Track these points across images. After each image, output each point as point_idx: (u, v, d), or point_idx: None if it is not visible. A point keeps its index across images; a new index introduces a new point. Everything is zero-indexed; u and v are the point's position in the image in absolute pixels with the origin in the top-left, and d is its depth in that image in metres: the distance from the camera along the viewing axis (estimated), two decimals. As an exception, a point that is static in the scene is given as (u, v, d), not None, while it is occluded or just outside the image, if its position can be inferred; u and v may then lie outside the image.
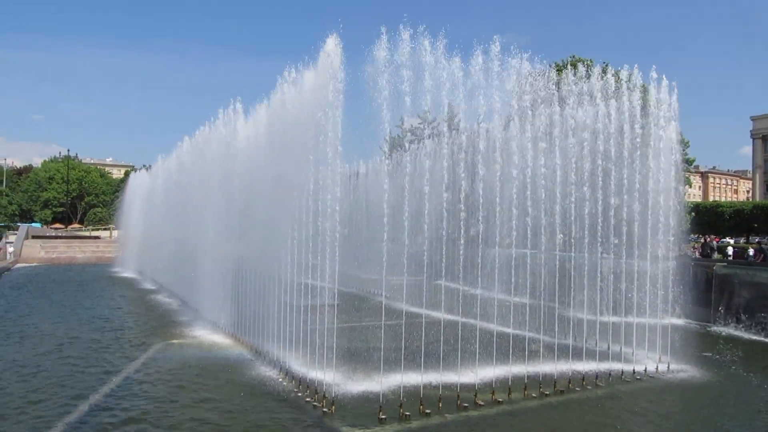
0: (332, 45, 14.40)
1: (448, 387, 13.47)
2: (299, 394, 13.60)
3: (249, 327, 18.66)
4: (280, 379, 14.89)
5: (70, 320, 23.68)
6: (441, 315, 15.14)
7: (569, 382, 15.09)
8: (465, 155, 20.10)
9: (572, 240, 17.59)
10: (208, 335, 20.88)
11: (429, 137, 19.04)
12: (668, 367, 17.25)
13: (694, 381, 16.59)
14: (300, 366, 14.83)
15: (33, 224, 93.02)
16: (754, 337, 23.25)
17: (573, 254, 17.94)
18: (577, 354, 16.85)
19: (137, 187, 52.96)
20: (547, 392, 14.41)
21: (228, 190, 22.30)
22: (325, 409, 12.40)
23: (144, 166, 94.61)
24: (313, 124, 14.86)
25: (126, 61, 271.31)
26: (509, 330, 16.66)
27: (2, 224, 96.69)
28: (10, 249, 50.47)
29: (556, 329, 18.31)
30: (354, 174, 37.10)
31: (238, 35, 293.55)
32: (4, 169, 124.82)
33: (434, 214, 15.24)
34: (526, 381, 14.40)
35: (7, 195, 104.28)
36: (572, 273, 18.07)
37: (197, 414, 12.34)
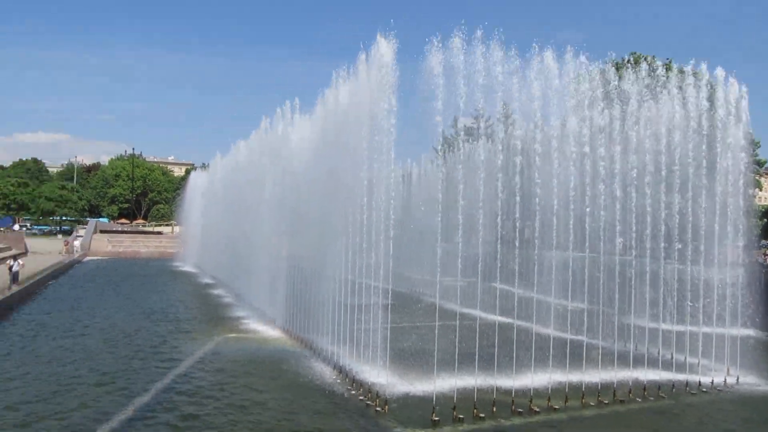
0: (384, 45, 14.42)
1: (502, 391, 13.24)
2: (353, 392, 13.68)
3: (303, 323, 18.92)
4: (334, 377, 15.02)
5: (134, 312, 24.70)
6: (496, 317, 14.87)
7: (629, 392, 14.55)
8: (521, 155, 19.70)
9: (633, 244, 16.95)
10: (264, 330, 21.35)
11: (483, 137, 18.79)
12: (737, 380, 16.39)
13: (764, 394, 15.68)
14: (353, 364, 14.92)
15: (100, 219, 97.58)
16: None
17: (634, 258, 17.28)
18: (638, 363, 16.18)
19: (197, 185, 54.78)
20: (606, 401, 13.95)
21: (282, 189, 22.72)
22: (378, 409, 12.42)
23: (203, 164, 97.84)
24: (367, 123, 14.93)
25: (188, 62, 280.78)
26: (566, 335, 16.24)
27: (73, 219, 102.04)
28: (77, 243, 53.09)
29: (616, 336, 17.75)
30: (407, 174, 37.08)
31: (297, 37, 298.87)
32: (75, 166, 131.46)
33: (489, 215, 15.04)
34: (583, 389, 13.98)
35: (77, 191, 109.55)
36: (633, 278, 17.42)
37: (252, 407, 12.60)
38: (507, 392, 13.23)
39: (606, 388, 14.41)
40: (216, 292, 33.04)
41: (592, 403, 13.75)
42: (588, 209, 16.30)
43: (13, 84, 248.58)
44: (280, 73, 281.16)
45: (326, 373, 15.38)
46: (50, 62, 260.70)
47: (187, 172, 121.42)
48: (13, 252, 48.55)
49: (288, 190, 21.91)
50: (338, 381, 14.66)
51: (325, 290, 17.12)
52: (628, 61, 48.97)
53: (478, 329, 13.82)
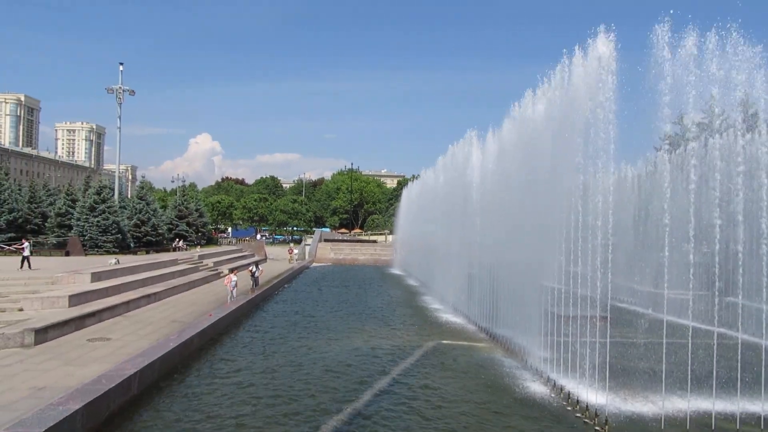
0: (603, 39, 13.73)
1: (747, 422, 11.58)
2: (568, 408, 13.14)
3: (518, 334, 18.67)
4: (548, 390, 14.58)
5: (351, 313, 26.92)
6: (738, 336, 13.06)
7: None
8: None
9: None
10: (474, 337, 21.60)
11: (718, 132, 16.76)
12: None
13: None
14: (569, 379, 14.33)
15: (323, 229, 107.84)
16: None
17: None
18: None
19: (407, 196, 57.72)
20: None
21: (487, 196, 22.81)
22: (597, 428, 11.74)
23: (413, 176, 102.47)
24: (584, 125, 14.33)
25: (393, 81, 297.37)
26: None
27: (302, 229, 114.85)
28: (296, 251, 59.51)
29: None
30: (627, 176, 34.47)
31: (502, 44, 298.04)
32: (304, 182, 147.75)
33: (726, 220, 13.34)
34: None
35: (305, 204, 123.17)
36: None
37: (463, 411, 12.80)
38: (753, 422, 11.51)
39: None
40: (428, 299, 34.38)
41: None
42: None
43: (255, 112, 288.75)
44: (485, 82, 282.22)
45: (540, 386, 14.98)
46: (280, 89, 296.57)
47: (399, 183, 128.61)
48: (256, 258, 56.30)
49: (496, 197, 21.94)
50: (552, 395, 14.19)
51: (536, 300, 16.77)
52: None
53: (715, 348, 12.30)
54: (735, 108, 15.76)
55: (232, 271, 28.54)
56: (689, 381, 11.78)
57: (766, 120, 16.97)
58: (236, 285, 27.75)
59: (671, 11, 12.83)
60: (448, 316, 27.16)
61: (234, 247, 66.48)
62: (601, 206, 13.93)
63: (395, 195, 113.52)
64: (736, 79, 13.25)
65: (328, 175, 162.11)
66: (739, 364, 12.23)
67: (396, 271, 55.90)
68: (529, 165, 18.60)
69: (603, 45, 13.70)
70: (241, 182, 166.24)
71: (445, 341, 20.93)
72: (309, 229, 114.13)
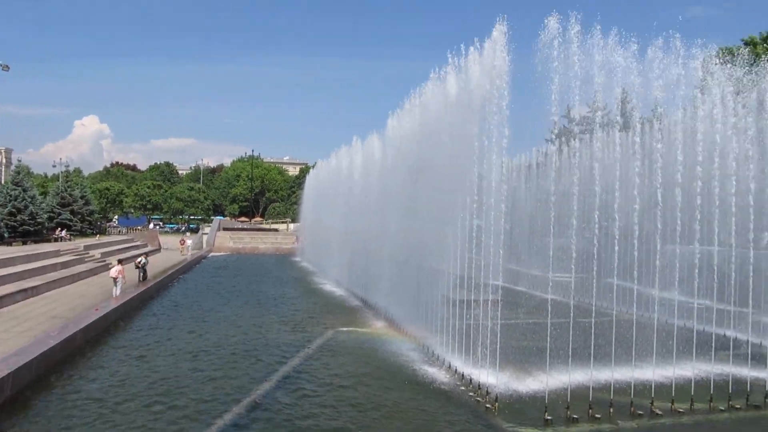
0: (498, 32, 14.25)
1: (619, 391, 12.66)
2: (462, 388, 13.72)
3: (413, 318, 19.19)
4: (444, 372, 15.13)
5: (253, 304, 26.39)
6: (613, 314, 14.23)
7: (765, 397, 13.33)
8: (642, 144, 18.67)
9: (756, 235, 15.47)
10: (373, 324, 21.94)
11: (600, 127, 18.01)
12: None
13: None
14: (463, 360, 14.96)
15: (218, 217, 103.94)
16: None
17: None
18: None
19: (311, 183, 57.29)
20: (738, 405, 12.89)
21: (389, 183, 23.17)
22: (488, 406, 12.36)
23: (316, 163, 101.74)
24: (478, 113, 14.86)
25: (300, 66, 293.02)
26: (692, 335, 15.17)
27: (199, 218, 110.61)
28: (189, 242, 57.21)
29: (749, 336, 16.41)
30: (518, 166, 36.30)
31: (408, 33, 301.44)
32: (201, 168, 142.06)
33: (605, 208, 14.42)
34: (712, 391, 13.02)
35: (203, 192, 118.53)
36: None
37: (361, 401, 12.99)
38: (625, 392, 12.62)
39: (738, 390, 13.28)
40: (328, 286, 34.42)
41: (721, 407, 12.77)
42: (717, 201, 15.12)
43: (146, 94, 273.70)
44: (391, 71, 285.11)
45: (436, 369, 15.51)
46: (176, 72, 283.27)
47: (302, 171, 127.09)
48: (149, 249, 53.59)
49: (397, 184, 22.30)
50: (448, 377, 14.75)
51: (434, 286, 17.29)
52: (767, 38, 44.34)
53: (593, 326, 13.33)
54: (615, 104, 16.98)
55: (120, 262, 26.87)
56: (570, 357, 12.67)
57: (642, 116, 18.50)
58: (124, 277, 26.19)
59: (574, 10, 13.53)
60: (348, 303, 27.39)
61: (124, 237, 62.84)
62: (494, 194, 14.58)
63: (298, 183, 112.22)
64: (617, 76, 14.26)
65: (227, 161, 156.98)
66: (613, 338, 13.32)
67: (298, 259, 55.43)
68: (425, 153, 19.05)
69: (497, 37, 14.23)
70: (133, 168, 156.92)
71: (343, 328, 21.08)
72: (207, 217, 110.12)
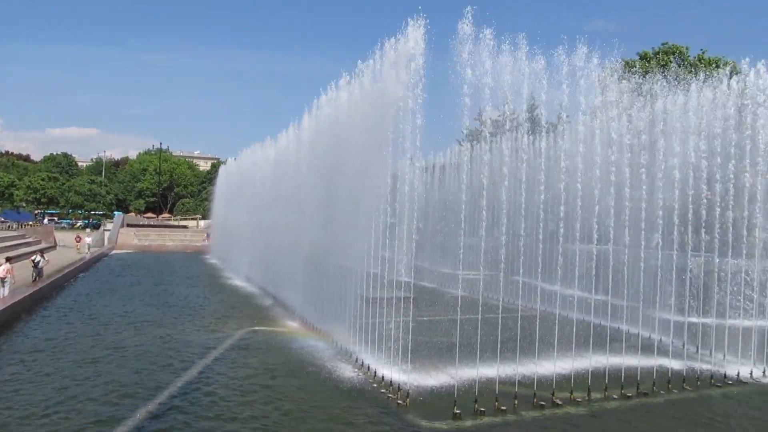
0: (413, 32, 14.40)
1: (524, 384, 13.26)
2: (374, 386, 13.82)
3: (325, 316, 19.12)
4: (356, 370, 15.18)
5: (162, 303, 25.25)
6: (518, 310, 14.89)
7: (653, 384, 14.43)
8: (545, 149, 19.66)
9: (647, 236, 16.75)
10: (287, 323, 21.65)
11: (509, 130, 18.75)
12: (764, 372, 16.17)
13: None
14: (375, 358, 15.07)
15: (119, 213, 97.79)
16: None
17: (660, 251, 17.14)
18: (663, 355, 16.11)
19: (223, 179, 55.63)
20: (630, 394, 13.86)
21: (304, 181, 22.95)
22: (400, 402, 12.53)
23: (232, 158, 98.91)
24: (392, 114, 14.98)
25: (215, 57, 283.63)
26: (589, 329, 16.17)
27: (101, 213, 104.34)
28: (88, 240, 54.05)
29: (640, 329, 17.69)
30: (432, 167, 37.07)
31: (327, 29, 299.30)
32: (104, 161, 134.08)
33: (513, 209, 15.02)
34: (606, 381, 13.92)
35: (105, 185, 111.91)
36: (659, 271, 17.28)
37: (273, 400, 12.79)
38: (529, 384, 13.23)
39: (630, 380, 14.30)
40: (240, 284, 33.58)
41: (615, 396, 13.68)
42: (613, 202, 16.17)
43: (45, 79, 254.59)
44: (306, 67, 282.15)
45: (349, 367, 15.53)
46: (81, 58, 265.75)
47: (213, 166, 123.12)
48: (43, 245, 49.91)
49: (312, 183, 22.11)
50: (360, 375, 14.81)
51: (348, 284, 17.29)
52: (659, 53, 47.92)
53: (500, 321, 13.86)
54: (523, 108, 17.71)
55: (8, 260, 24.83)
56: (478, 352, 13.10)
57: (548, 121, 19.44)
58: (13, 277, 24.21)
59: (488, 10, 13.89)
60: (260, 302, 26.87)
61: (14, 233, 58.13)
62: (407, 194, 14.79)
63: (209, 178, 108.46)
64: (525, 82, 14.90)
65: (133, 154, 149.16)
66: (518, 333, 13.94)
67: (209, 257, 53.67)
68: (339, 151, 19.01)
69: (413, 36, 14.38)
70: (26, 158, 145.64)
71: (255, 327, 20.66)
72: (109, 213, 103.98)
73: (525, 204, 15.03)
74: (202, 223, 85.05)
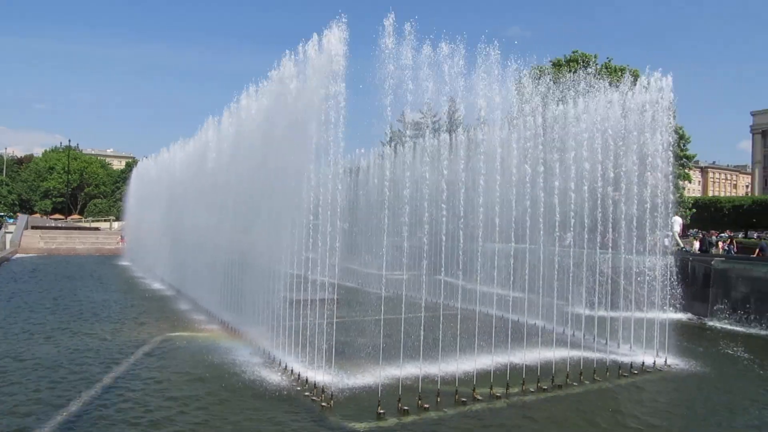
0: (335, 31, 14.34)
1: (446, 381, 13.54)
2: (298, 389, 13.66)
3: (247, 319, 18.71)
4: (279, 374, 14.94)
5: (70, 311, 23.79)
6: (440, 309, 15.21)
7: (567, 376, 15.15)
8: (465, 151, 20.19)
9: (559, 234, 17.61)
10: (206, 327, 21.00)
11: (431, 132, 19.11)
12: (666, 361, 17.36)
13: (691, 374, 16.70)
14: (299, 360, 14.90)
15: (21, 215, 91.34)
16: (751, 331, 23.37)
17: (572, 250, 18.04)
18: (575, 349, 16.97)
19: (138, 178, 53.17)
20: (545, 386, 14.46)
21: (225, 182, 22.38)
22: (323, 404, 12.45)
23: (145, 157, 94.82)
24: (314, 114, 14.86)
25: (128, 51, 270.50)
26: (508, 325, 16.76)
27: (1, 214, 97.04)
28: None
29: (554, 324, 18.53)
30: (355, 167, 37.17)
31: (246, 26, 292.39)
32: (5, 158, 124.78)
33: (434, 210, 15.30)
34: (524, 375, 14.47)
35: (7, 185, 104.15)
36: (571, 268, 18.18)
37: (191, 410, 12.36)
38: (451, 382, 13.53)
39: (546, 373, 14.95)
40: (157, 287, 32.25)
41: (532, 389, 14.23)
42: (528, 203, 16.84)
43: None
44: (226, 63, 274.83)
45: (271, 370, 15.27)
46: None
47: (128, 165, 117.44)
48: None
49: (233, 184, 21.58)
50: (283, 377, 14.60)
51: (270, 286, 16.99)
52: (570, 60, 50.54)
53: (422, 320, 14.09)
54: (443, 111, 18.12)
55: None
56: (402, 351, 13.25)
57: (467, 124, 19.95)
58: None
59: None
60: (179, 306, 25.92)
61: None
62: (330, 194, 14.72)
63: (123, 177, 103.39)
64: (446, 86, 15.22)
65: (38, 151, 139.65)
66: (440, 332, 14.23)
67: (123, 260, 51.16)
68: (261, 151, 18.66)
69: (335, 36, 14.31)
70: None
71: (173, 333, 19.89)
72: (11, 214, 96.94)
73: (446, 205, 15.34)
74: (116, 224, 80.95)
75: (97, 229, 79.80)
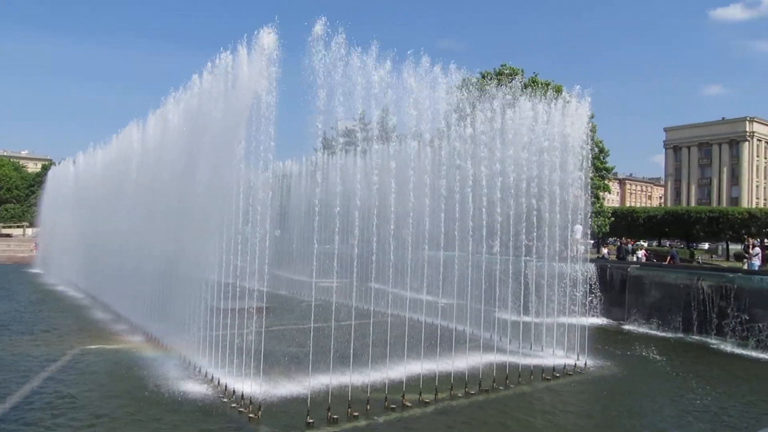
0: (267, 35, 14.13)
1: (376, 389, 13.57)
2: (224, 400, 13.31)
3: (172, 330, 18.04)
4: (205, 385, 14.51)
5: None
6: (370, 316, 15.25)
7: (493, 381, 15.53)
8: (395, 161, 20.40)
9: (486, 243, 18.13)
10: (128, 339, 20.09)
11: (363, 141, 19.19)
12: (585, 363, 18.14)
13: (607, 375, 17.55)
14: (226, 371, 14.51)
15: None
16: (663, 334, 24.80)
17: (498, 257, 18.55)
18: (501, 353, 17.45)
19: (55, 182, 50.27)
20: (473, 391, 14.77)
21: (151, 188, 21.57)
22: (251, 415, 12.18)
23: (64, 159, 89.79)
24: (244, 119, 14.60)
25: (43, 49, 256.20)
26: (437, 332, 17.00)
27: None
28: None
29: (482, 330, 19.01)
30: (288, 174, 36.77)
31: (172, 28, 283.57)
32: None
33: (365, 217, 15.36)
34: (452, 381, 14.71)
35: None
36: (498, 275, 18.69)
37: (112, 424, 11.82)
38: (381, 389, 13.57)
39: (473, 378, 15.27)
40: (75, 296, 30.55)
41: (460, 394, 14.50)
42: (458, 213, 17.19)
43: None
44: (153, 65, 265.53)
45: (198, 382, 14.80)
46: None
47: (44, 168, 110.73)
48: None
49: (155, 188, 20.82)
50: (210, 389, 14.18)
51: (197, 295, 16.48)
52: (498, 73, 52.15)
53: (353, 328, 14.07)
54: (374, 119, 18.23)
55: None
56: (331, 359, 13.18)
57: (400, 133, 20.18)
58: None
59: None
60: (98, 317, 24.66)
61: None
62: (260, 201, 14.47)
63: (39, 181, 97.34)
64: (380, 96, 15.32)
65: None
66: (370, 339, 14.26)
67: (38, 269, 48.11)
68: (188, 156, 18.12)
69: (268, 40, 14.10)
70: None
71: (92, 345, 18.92)
72: None
73: (377, 212, 15.45)
74: (30, 231, 76.16)
75: (8, 236, 74.83)
